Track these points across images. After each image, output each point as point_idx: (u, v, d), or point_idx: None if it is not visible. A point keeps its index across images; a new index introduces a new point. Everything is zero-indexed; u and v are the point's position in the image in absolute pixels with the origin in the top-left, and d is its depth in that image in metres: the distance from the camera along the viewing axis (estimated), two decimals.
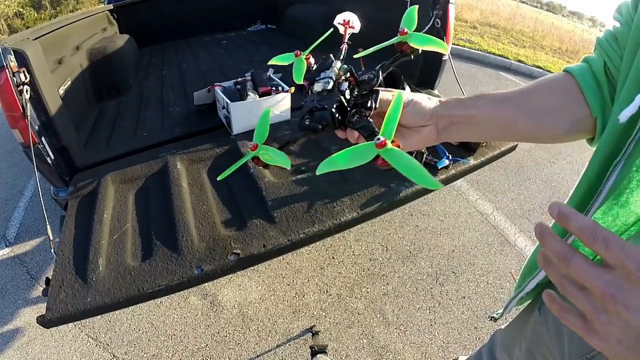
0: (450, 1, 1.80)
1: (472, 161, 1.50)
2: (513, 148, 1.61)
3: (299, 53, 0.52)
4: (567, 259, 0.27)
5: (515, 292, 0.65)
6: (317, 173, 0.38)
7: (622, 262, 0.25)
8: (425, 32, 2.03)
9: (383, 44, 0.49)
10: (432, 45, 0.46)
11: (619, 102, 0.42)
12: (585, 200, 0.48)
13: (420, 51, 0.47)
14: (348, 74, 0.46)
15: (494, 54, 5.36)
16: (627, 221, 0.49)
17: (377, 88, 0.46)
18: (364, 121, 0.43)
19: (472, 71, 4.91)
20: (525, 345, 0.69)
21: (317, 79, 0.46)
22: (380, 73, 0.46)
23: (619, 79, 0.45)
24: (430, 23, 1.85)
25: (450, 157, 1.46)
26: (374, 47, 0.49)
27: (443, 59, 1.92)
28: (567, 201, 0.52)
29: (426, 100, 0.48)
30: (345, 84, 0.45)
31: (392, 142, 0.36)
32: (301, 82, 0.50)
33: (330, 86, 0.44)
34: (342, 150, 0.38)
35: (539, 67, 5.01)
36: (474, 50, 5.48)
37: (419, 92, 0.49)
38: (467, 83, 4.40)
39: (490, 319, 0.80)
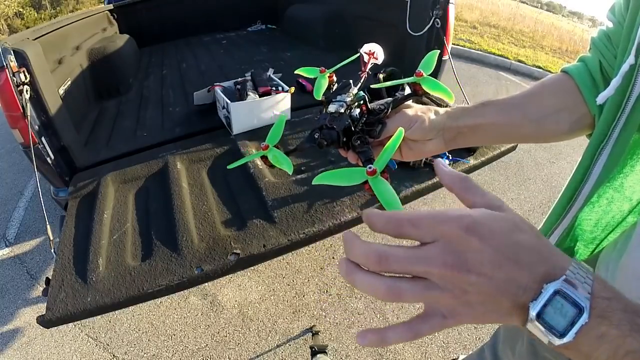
0: (450, 1, 1.80)
1: (472, 161, 1.50)
2: (513, 148, 1.61)
3: (323, 70, 0.56)
4: (383, 258, 0.25)
5: None
6: (313, 183, 0.42)
7: (439, 232, 0.24)
8: (425, 32, 2.02)
9: (400, 80, 0.52)
10: (440, 92, 0.49)
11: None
12: (577, 185, 0.50)
13: (431, 95, 0.51)
14: (362, 102, 0.49)
15: (494, 54, 5.36)
16: (622, 207, 0.50)
17: (384, 120, 0.49)
18: (365, 147, 0.47)
19: (472, 71, 4.91)
20: (527, 338, 0.70)
21: (333, 100, 0.49)
22: (390, 106, 0.49)
23: (613, 76, 0.46)
24: (430, 23, 1.85)
25: (450, 157, 1.46)
26: (390, 82, 0.52)
27: (443, 59, 1.92)
28: (564, 188, 0.53)
29: (433, 116, 0.50)
30: (357, 110, 0.49)
31: (383, 173, 0.40)
32: (320, 98, 0.54)
33: (342, 110, 0.48)
34: (339, 169, 0.42)
35: (539, 67, 5.01)
36: (474, 50, 5.48)
37: (431, 102, 0.52)
38: (467, 83, 4.40)
39: None
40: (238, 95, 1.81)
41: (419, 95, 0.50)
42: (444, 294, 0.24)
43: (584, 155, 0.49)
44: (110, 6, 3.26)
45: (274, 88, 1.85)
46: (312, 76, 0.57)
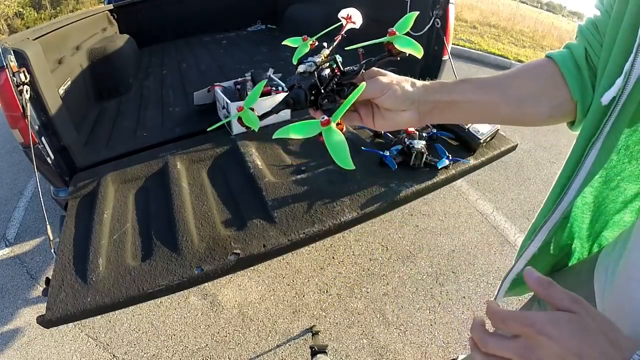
0: (450, 1, 1.80)
1: (472, 161, 1.50)
2: (513, 148, 1.61)
3: (306, 38, 0.57)
4: (484, 344, 0.36)
5: (508, 271, 0.66)
6: (274, 137, 0.45)
7: (519, 330, 0.33)
8: (425, 32, 2.01)
9: (372, 41, 0.52)
10: (410, 48, 0.49)
11: (601, 88, 0.44)
12: (567, 180, 0.50)
13: (407, 54, 0.50)
14: (334, 65, 0.50)
15: (494, 54, 5.36)
16: (616, 201, 0.52)
17: (355, 81, 0.50)
18: (331, 105, 0.49)
19: (472, 71, 4.91)
20: None
21: (304, 61, 0.50)
22: (364, 68, 0.50)
23: (599, 65, 0.47)
24: (430, 23, 1.85)
25: (450, 157, 1.46)
26: (363, 43, 0.52)
27: (443, 59, 1.92)
28: (555, 183, 0.54)
29: (408, 86, 0.49)
30: (327, 71, 0.49)
31: (338, 124, 0.43)
32: (296, 62, 0.54)
33: (312, 69, 0.49)
34: (297, 123, 0.45)
35: None
36: (474, 50, 5.48)
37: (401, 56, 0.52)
38: None
39: (486, 303, 0.81)
40: (238, 95, 1.82)
41: (393, 54, 0.50)
42: None
43: (574, 150, 0.49)
44: (110, 6, 3.26)
45: (274, 88, 1.85)
46: (295, 45, 0.58)
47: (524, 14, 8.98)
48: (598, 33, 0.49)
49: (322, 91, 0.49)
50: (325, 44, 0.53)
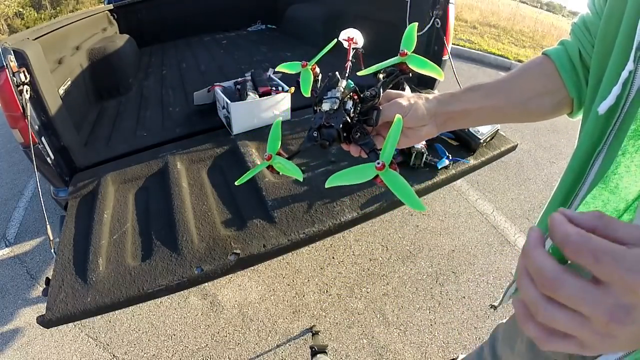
0: (450, 1, 1.80)
1: (472, 161, 1.50)
2: (513, 148, 1.61)
3: (305, 64, 0.55)
4: (556, 282, 0.24)
5: (515, 276, 0.66)
6: (326, 186, 0.44)
7: (619, 276, 0.21)
8: (425, 32, 2.01)
9: (384, 63, 0.51)
10: (428, 69, 0.49)
11: (599, 97, 0.45)
12: (571, 188, 0.50)
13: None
14: (352, 92, 0.50)
15: (494, 54, 5.36)
16: (618, 207, 0.50)
17: (378, 106, 0.50)
18: (366, 138, 0.48)
19: (472, 71, 4.91)
20: (526, 336, 0.70)
21: (324, 97, 0.49)
22: (381, 91, 0.50)
23: (590, 67, 0.49)
24: (430, 23, 1.85)
25: (450, 157, 1.46)
26: (375, 66, 0.52)
27: (443, 59, 1.92)
28: (554, 191, 0.54)
29: (423, 103, 0.51)
30: (350, 102, 0.49)
31: (391, 163, 0.41)
32: (308, 94, 0.54)
33: (336, 106, 0.48)
34: (348, 168, 0.43)
35: None
36: (474, 50, 5.48)
37: (419, 92, 0.51)
38: (467, 83, 4.38)
39: (491, 307, 0.81)
40: (238, 95, 1.81)
41: (406, 74, 0.51)
42: (594, 335, 0.23)
43: (578, 161, 0.49)
44: (110, 6, 3.26)
45: (274, 88, 1.85)
46: (294, 71, 0.56)
47: (524, 14, 8.97)
48: (589, 34, 0.50)
49: (352, 124, 0.48)
50: (337, 74, 0.51)
